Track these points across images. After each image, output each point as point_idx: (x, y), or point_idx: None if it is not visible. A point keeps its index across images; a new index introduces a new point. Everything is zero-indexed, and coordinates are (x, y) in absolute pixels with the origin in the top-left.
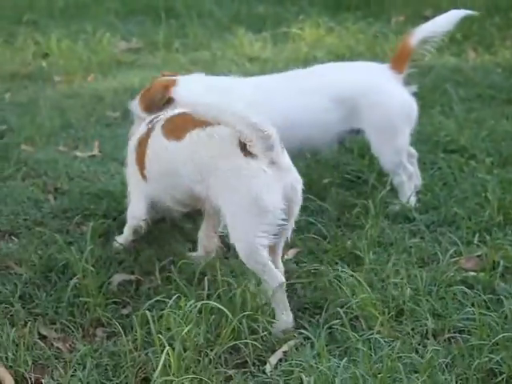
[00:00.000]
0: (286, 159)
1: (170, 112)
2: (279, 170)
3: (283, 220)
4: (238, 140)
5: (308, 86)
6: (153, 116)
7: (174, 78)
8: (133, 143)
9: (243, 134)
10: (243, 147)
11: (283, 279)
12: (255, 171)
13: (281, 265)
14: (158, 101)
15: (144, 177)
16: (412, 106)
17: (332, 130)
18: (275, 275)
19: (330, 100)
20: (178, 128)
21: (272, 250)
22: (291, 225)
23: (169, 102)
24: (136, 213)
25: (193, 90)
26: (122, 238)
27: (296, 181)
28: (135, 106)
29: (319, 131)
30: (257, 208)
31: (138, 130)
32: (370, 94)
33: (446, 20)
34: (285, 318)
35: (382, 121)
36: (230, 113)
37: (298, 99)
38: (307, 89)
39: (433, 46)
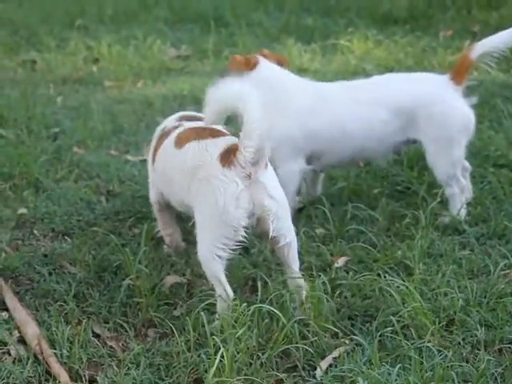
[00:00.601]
0: (265, 175)
1: (193, 122)
2: (252, 185)
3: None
4: (220, 151)
5: (366, 96)
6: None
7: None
8: (157, 132)
9: (246, 137)
10: (224, 157)
11: (232, 297)
12: (227, 182)
13: (297, 280)
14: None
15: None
16: (470, 117)
17: (388, 141)
18: (226, 290)
19: (389, 111)
20: (185, 138)
21: (283, 262)
22: (283, 235)
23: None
24: (151, 198)
25: (275, 68)
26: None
27: (267, 198)
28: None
29: (375, 142)
30: (220, 219)
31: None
32: (430, 104)
33: (510, 36)
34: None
35: (440, 132)
36: (254, 110)
37: (355, 109)
38: (365, 99)
39: (493, 60)
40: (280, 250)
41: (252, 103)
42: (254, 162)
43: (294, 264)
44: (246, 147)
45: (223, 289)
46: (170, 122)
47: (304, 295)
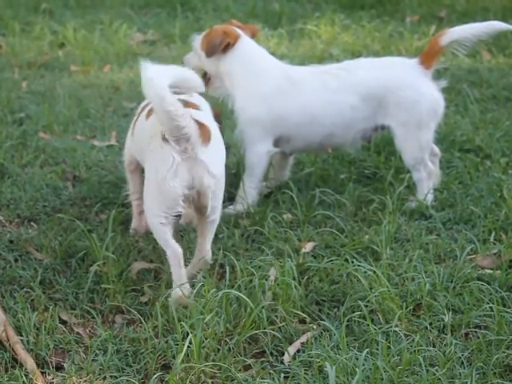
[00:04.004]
0: (204, 153)
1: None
2: (190, 161)
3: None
4: None
5: (336, 82)
6: None
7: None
8: (143, 103)
9: (160, 118)
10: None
11: (180, 252)
12: (165, 155)
13: (207, 248)
14: (218, 45)
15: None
16: (439, 102)
17: (357, 127)
18: (174, 249)
19: (358, 96)
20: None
21: (201, 233)
22: (213, 212)
23: (228, 47)
24: (125, 161)
25: (254, 47)
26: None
27: (206, 175)
28: (197, 41)
29: (344, 127)
30: (159, 189)
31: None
32: (398, 89)
33: (484, 29)
34: (178, 290)
35: (409, 116)
36: (158, 98)
37: (324, 94)
38: (334, 84)
39: (465, 49)
40: (203, 225)
41: (150, 86)
42: (186, 139)
43: (209, 240)
44: (162, 127)
45: (172, 249)
46: None
47: (205, 264)
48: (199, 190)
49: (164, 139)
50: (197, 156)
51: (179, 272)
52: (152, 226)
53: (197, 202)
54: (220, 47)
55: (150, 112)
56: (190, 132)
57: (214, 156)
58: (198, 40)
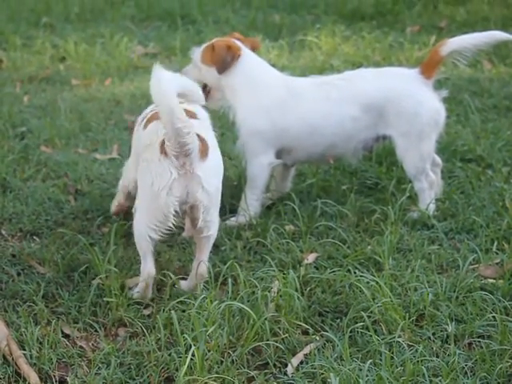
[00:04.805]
0: (200, 167)
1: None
2: (187, 176)
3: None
4: (162, 138)
5: (336, 92)
6: None
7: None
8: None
9: (167, 133)
10: (163, 145)
11: (153, 274)
12: (162, 170)
13: (203, 262)
14: (230, 61)
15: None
16: (440, 111)
17: (359, 137)
18: (149, 268)
19: (359, 107)
20: (152, 119)
21: (198, 247)
22: (208, 227)
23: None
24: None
25: (256, 65)
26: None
27: (200, 190)
28: (197, 54)
29: (345, 138)
30: (152, 202)
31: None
32: (399, 99)
33: (484, 39)
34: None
35: (410, 126)
36: (167, 109)
37: (325, 105)
38: (335, 95)
39: (466, 59)
40: (199, 240)
41: (165, 99)
42: (186, 154)
43: (205, 254)
44: (167, 142)
45: (147, 266)
46: (148, 109)
47: (204, 270)
48: (192, 204)
49: (163, 153)
50: (194, 171)
51: (143, 286)
52: (139, 236)
53: (189, 215)
54: (232, 63)
55: (148, 122)
56: (193, 148)
57: (210, 171)
58: (197, 53)
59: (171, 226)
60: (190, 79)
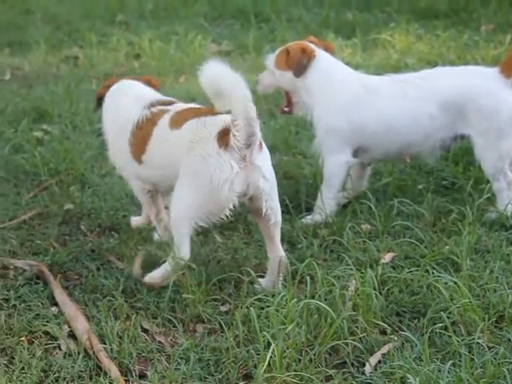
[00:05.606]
0: (259, 158)
1: (177, 105)
2: (248, 167)
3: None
4: (218, 130)
5: (414, 90)
6: (153, 102)
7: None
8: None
9: (238, 123)
10: (221, 138)
11: (188, 257)
12: (222, 163)
13: (280, 249)
14: (306, 64)
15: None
16: None
17: (436, 136)
18: (185, 250)
19: (437, 105)
20: (182, 118)
21: (268, 238)
22: (274, 213)
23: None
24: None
25: (331, 64)
26: None
27: (262, 179)
28: (271, 59)
29: (423, 136)
30: (210, 197)
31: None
32: (479, 97)
33: None
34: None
35: (489, 125)
36: (242, 98)
37: (403, 103)
38: (413, 93)
39: None
40: (268, 228)
41: (239, 87)
42: (248, 145)
43: (278, 239)
44: (236, 131)
45: (184, 250)
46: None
47: (285, 266)
48: (253, 195)
49: (223, 146)
50: (254, 162)
51: (167, 273)
52: (181, 218)
53: (252, 206)
54: (308, 66)
55: (175, 121)
56: (257, 138)
57: (266, 159)
58: (271, 58)
59: (222, 217)
60: (264, 85)
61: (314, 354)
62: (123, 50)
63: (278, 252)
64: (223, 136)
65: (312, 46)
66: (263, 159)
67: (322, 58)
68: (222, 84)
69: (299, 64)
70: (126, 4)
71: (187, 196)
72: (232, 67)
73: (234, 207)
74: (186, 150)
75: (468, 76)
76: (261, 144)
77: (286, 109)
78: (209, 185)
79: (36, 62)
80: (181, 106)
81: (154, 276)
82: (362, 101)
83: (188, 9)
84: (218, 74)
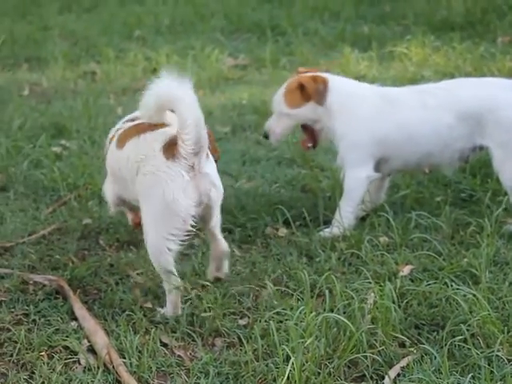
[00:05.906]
0: (207, 166)
1: (127, 123)
2: (197, 176)
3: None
4: (162, 143)
5: (434, 101)
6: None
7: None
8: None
9: (183, 131)
10: (167, 150)
11: (180, 283)
12: (173, 175)
13: (223, 245)
14: (323, 90)
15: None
16: None
17: (455, 147)
18: (174, 278)
19: (456, 116)
20: (125, 137)
21: (212, 236)
22: (218, 219)
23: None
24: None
25: (344, 82)
26: None
27: (213, 188)
28: (278, 100)
29: (441, 147)
30: (169, 211)
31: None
32: (498, 109)
33: None
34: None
35: (508, 136)
36: (187, 106)
37: (422, 113)
38: (432, 103)
39: None
40: (210, 230)
41: (185, 97)
42: (196, 152)
43: (220, 234)
44: (184, 140)
45: (173, 280)
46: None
47: (227, 263)
48: (206, 204)
49: (169, 158)
50: (202, 171)
51: (176, 301)
52: (156, 252)
53: (202, 214)
54: (326, 91)
55: (119, 141)
56: (204, 145)
57: (213, 167)
58: (278, 99)
59: (189, 229)
60: (278, 131)
61: (333, 368)
62: (140, 64)
63: (222, 246)
64: (169, 148)
65: (315, 73)
66: (211, 167)
67: (333, 79)
68: (172, 94)
69: (318, 92)
70: (142, 20)
71: (150, 221)
72: (248, 81)
73: (195, 218)
74: (135, 171)
75: (487, 87)
76: (207, 153)
77: (309, 144)
78: (164, 198)
79: (54, 77)
80: (133, 123)
81: (168, 311)
82: (382, 112)
83: (204, 23)
84: (167, 85)
